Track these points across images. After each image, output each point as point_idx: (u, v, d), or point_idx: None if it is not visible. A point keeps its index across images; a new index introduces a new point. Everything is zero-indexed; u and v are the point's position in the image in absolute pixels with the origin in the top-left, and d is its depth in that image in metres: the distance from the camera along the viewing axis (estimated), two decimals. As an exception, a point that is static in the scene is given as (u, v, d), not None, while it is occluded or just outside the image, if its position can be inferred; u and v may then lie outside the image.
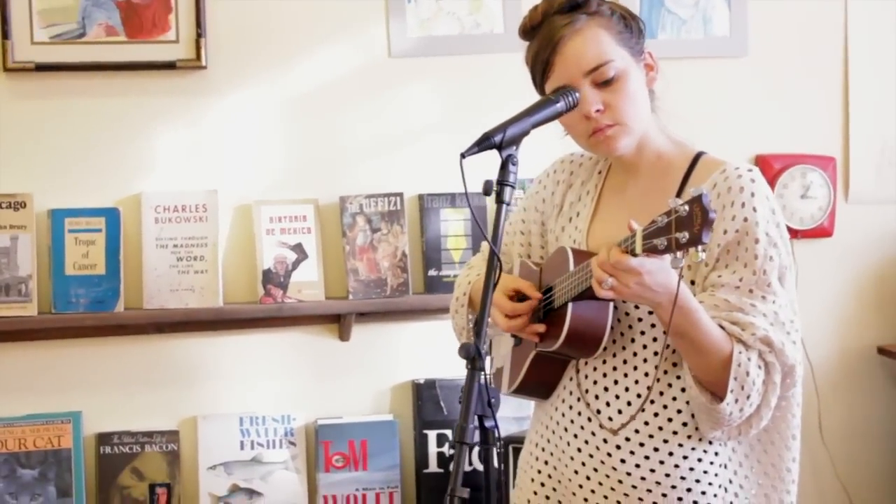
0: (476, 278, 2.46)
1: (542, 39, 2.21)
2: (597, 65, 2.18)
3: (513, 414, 3.53)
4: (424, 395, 3.59)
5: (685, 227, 1.86)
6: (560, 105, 2.16)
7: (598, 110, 2.18)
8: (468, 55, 3.63)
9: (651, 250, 1.92)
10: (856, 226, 3.84)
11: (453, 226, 3.59)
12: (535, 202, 2.46)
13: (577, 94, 2.17)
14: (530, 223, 2.47)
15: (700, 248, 1.85)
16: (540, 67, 2.22)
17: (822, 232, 3.80)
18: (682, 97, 3.62)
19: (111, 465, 3.47)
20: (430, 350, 3.58)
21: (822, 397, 3.81)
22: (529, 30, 2.25)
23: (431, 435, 3.58)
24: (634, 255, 1.97)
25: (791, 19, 3.79)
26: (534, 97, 2.21)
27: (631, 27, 2.24)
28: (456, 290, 2.51)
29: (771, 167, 3.76)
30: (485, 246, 2.59)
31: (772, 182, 3.74)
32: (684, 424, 2.20)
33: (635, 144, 2.25)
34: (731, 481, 2.23)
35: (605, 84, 2.18)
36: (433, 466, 3.57)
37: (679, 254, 1.87)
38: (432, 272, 3.59)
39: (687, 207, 1.86)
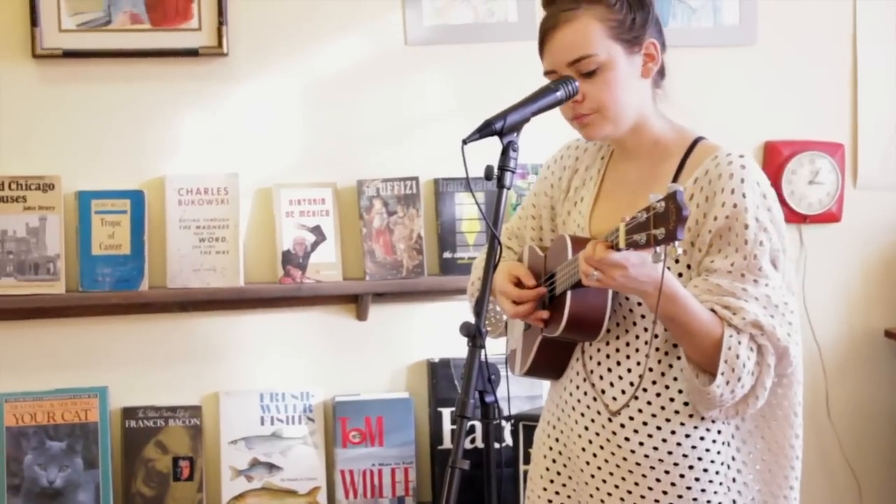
0: None
1: (544, 20, 2.28)
2: (578, 57, 2.23)
3: (525, 393, 3.59)
4: (439, 374, 3.66)
5: (662, 223, 1.91)
6: (560, 94, 2.21)
7: (576, 100, 2.24)
8: (483, 43, 3.68)
9: (633, 245, 1.97)
10: (864, 211, 3.87)
11: (468, 209, 3.65)
12: (545, 187, 2.51)
13: (577, 84, 2.23)
14: (540, 208, 2.52)
15: (677, 243, 1.90)
16: (539, 46, 2.30)
17: (830, 217, 3.84)
18: (692, 85, 3.70)
19: (136, 438, 3.54)
20: (445, 330, 3.61)
21: (829, 379, 3.86)
22: (547, 2, 2.31)
23: (446, 412, 3.64)
24: (618, 249, 2.02)
25: (800, 8, 3.82)
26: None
27: (629, 19, 2.26)
28: (472, 275, 2.58)
29: (780, 154, 3.80)
30: (506, 229, 2.65)
31: (780, 168, 3.79)
32: (685, 405, 2.24)
33: (624, 131, 2.29)
34: (734, 458, 2.27)
35: (587, 74, 2.24)
36: (447, 443, 3.62)
37: (658, 249, 1.93)
38: (447, 254, 3.65)
39: (663, 204, 1.91)
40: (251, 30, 3.58)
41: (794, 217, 3.81)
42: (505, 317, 2.56)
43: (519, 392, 3.55)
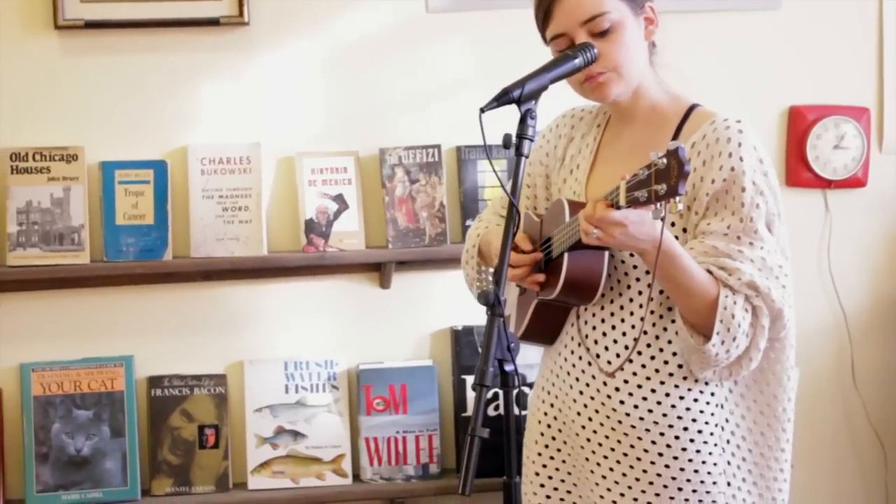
0: (485, 231, 2.54)
1: None
2: (592, 15, 2.26)
3: (536, 361, 3.59)
4: (462, 342, 3.66)
5: (663, 179, 1.94)
6: (578, 61, 2.23)
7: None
8: (505, 10, 3.66)
9: (633, 202, 2.01)
10: (889, 176, 3.85)
11: (490, 177, 3.64)
12: (539, 156, 2.53)
13: (595, 51, 2.24)
14: (535, 177, 2.55)
15: (678, 198, 1.93)
16: (541, 14, 2.31)
17: (855, 182, 3.82)
18: (716, 50, 3.71)
19: (162, 406, 3.56)
20: (468, 297, 3.62)
21: (855, 345, 3.85)
22: None
23: (469, 380, 3.63)
24: (618, 207, 2.05)
25: (825, -29, 3.79)
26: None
27: None
28: (466, 243, 2.61)
29: (804, 118, 3.78)
30: (494, 200, 2.68)
31: (805, 133, 3.77)
32: (679, 367, 2.28)
33: (630, 93, 2.32)
34: (727, 420, 2.30)
35: (600, 34, 2.25)
36: (471, 410, 3.60)
37: (659, 205, 1.96)
38: (470, 222, 3.61)
39: (665, 160, 1.95)
40: (272, -1, 3.58)
41: (818, 182, 3.80)
42: None
43: (538, 359, 3.55)
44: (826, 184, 3.81)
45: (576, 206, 2.28)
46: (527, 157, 2.16)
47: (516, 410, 2.20)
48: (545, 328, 2.42)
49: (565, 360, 2.39)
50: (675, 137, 2.30)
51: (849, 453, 3.90)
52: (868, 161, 3.82)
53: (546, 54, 2.37)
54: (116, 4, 3.51)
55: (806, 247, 3.80)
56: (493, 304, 2.10)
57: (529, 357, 2.66)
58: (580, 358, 2.36)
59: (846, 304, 3.84)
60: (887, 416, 3.90)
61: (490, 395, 2.08)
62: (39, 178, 3.49)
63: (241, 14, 3.53)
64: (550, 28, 2.30)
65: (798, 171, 3.79)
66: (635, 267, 2.29)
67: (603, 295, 2.31)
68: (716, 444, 2.29)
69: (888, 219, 3.88)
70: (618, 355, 2.31)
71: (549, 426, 2.44)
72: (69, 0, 3.48)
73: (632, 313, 2.31)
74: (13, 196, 3.48)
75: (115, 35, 3.53)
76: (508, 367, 2.15)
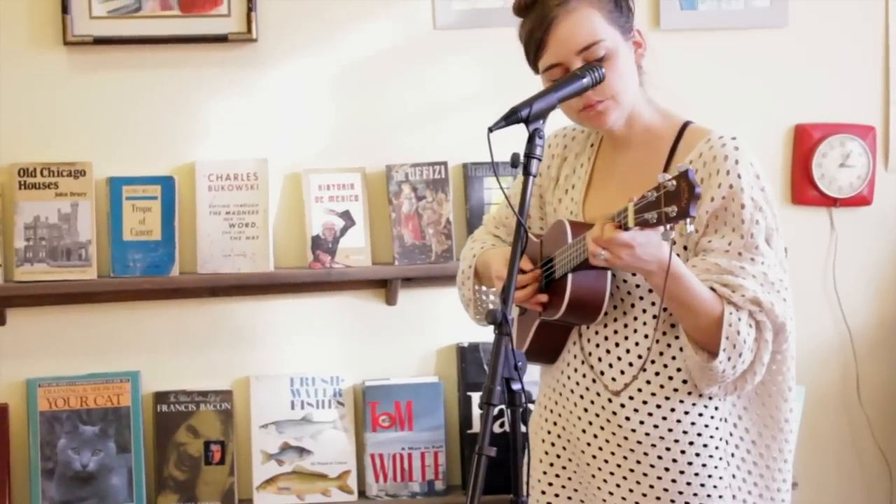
0: (480, 251, 2.54)
1: (535, 19, 2.31)
2: (588, 44, 2.27)
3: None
4: (468, 358, 3.66)
5: (673, 201, 1.96)
6: (586, 80, 2.24)
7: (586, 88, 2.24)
8: (512, 27, 3.63)
9: (643, 224, 2.02)
10: (895, 194, 3.85)
11: (497, 194, 3.64)
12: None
13: (603, 71, 2.25)
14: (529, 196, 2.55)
15: (688, 220, 1.94)
16: (534, 45, 2.31)
17: (861, 200, 3.82)
18: (722, 68, 3.72)
19: (168, 422, 3.57)
20: (467, 315, 3.65)
21: (860, 363, 3.84)
22: (523, 8, 2.35)
23: (475, 396, 3.64)
24: (627, 228, 2.06)
25: (831, -11, 3.80)
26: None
27: (621, 6, 2.32)
28: (461, 264, 2.61)
29: (810, 136, 3.78)
30: (486, 219, 2.68)
31: (810, 151, 3.77)
32: (684, 382, 2.29)
33: (625, 118, 2.33)
34: (731, 434, 2.32)
35: (595, 62, 2.26)
36: (476, 427, 3.62)
37: (669, 226, 1.97)
38: (475, 239, 3.67)
39: (674, 182, 1.96)
40: (280, 15, 3.59)
41: (824, 200, 3.80)
42: (493, 300, 2.58)
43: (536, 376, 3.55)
44: (832, 202, 3.81)
45: (578, 227, 2.29)
46: (535, 176, 2.16)
47: (523, 428, 2.21)
48: (547, 348, 2.43)
49: (568, 378, 2.40)
50: (670, 156, 2.31)
51: (854, 471, 3.89)
52: (874, 179, 3.82)
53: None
54: (125, 21, 3.52)
55: (811, 265, 3.80)
56: (500, 322, 2.10)
57: (536, 374, 2.66)
58: (584, 376, 2.37)
59: (851, 322, 3.83)
60: (892, 433, 3.89)
61: (496, 411, 2.08)
62: (47, 194, 3.50)
63: (249, 31, 3.54)
64: (545, 58, 2.31)
65: (804, 188, 3.79)
66: (638, 286, 2.31)
67: (606, 314, 2.32)
68: (720, 458, 2.30)
69: (894, 237, 3.88)
70: (622, 372, 2.32)
71: (553, 444, 2.45)
72: (78, 16, 3.50)
73: (635, 331, 2.32)
74: (21, 211, 3.49)
75: (124, 51, 3.54)
76: (516, 386, 2.15)
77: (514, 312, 2.51)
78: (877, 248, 3.87)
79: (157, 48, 3.55)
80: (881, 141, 3.84)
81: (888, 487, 3.88)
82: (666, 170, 2.29)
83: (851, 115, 3.82)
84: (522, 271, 2.36)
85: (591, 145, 2.47)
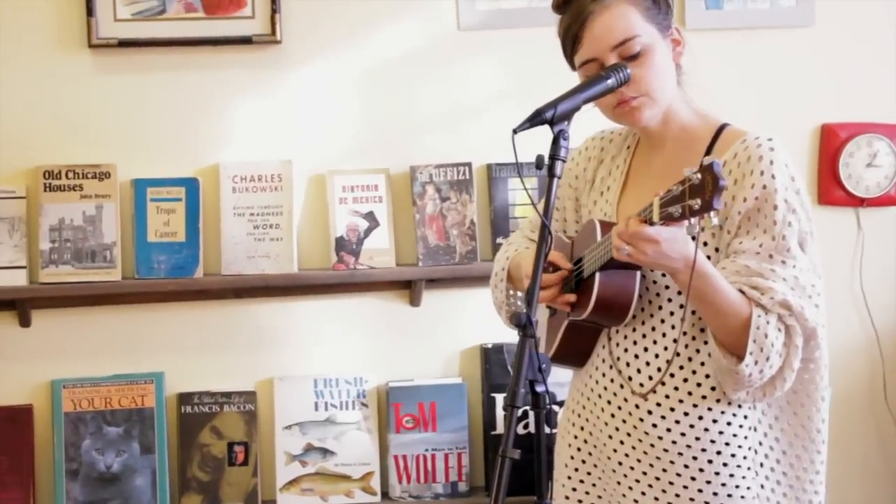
0: (514, 254, 2.54)
1: (572, 14, 2.29)
2: (623, 39, 2.24)
3: (566, 379, 3.56)
4: (492, 360, 3.66)
5: (698, 194, 1.93)
6: (611, 81, 2.22)
7: (622, 83, 2.22)
8: (536, 28, 3.65)
9: (667, 218, 1.99)
10: (922, 194, 3.83)
11: (521, 194, 3.63)
12: (569, 178, 2.52)
13: (629, 71, 2.23)
14: (564, 199, 2.53)
15: (713, 213, 1.91)
16: (570, 41, 2.29)
17: (888, 200, 3.80)
18: (748, 67, 3.70)
19: (192, 423, 3.57)
20: (500, 318, 3.64)
21: (887, 363, 3.82)
22: (561, 4, 2.33)
23: (499, 398, 3.63)
24: (652, 223, 2.04)
25: (858, -11, 3.77)
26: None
27: (659, 3, 2.30)
28: (495, 266, 2.60)
29: (837, 136, 3.76)
30: (523, 223, 2.67)
31: (837, 151, 3.75)
32: (713, 389, 2.26)
33: (661, 116, 2.31)
34: (760, 443, 2.28)
35: (631, 58, 2.24)
36: (500, 428, 3.61)
37: (693, 220, 1.94)
38: (500, 240, 3.63)
39: (699, 175, 1.93)
40: (304, 17, 3.59)
41: (851, 200, 3.78)
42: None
43: (568, 377, 3.53)
44: (859, 202, 3.79)
45: (607, 226, 2.26)
46: (559, 178, 2.14)
47: (547, 430, 2.19)
48: (576, 350, 2.41)
49: (596, 382, 2.38)
50: (706, 156, 2.27)
51: (881, 472, 3.87)
52: (901, 179, 3.80)
53: (575, 73, 2.36)
54: (149, 23, 3.53)
55: (838, 265, 3.78)
56: (524, 324, 2.09)
57: (560, 375, 2.65)
58: (612, 380, 2.35)
59: (878, 322, 3.81)
60: (920, 435, 3.87)
61: (519, 413, 2.07)
62: (72, 196, 3.51)
63: (273, 32, 3.54)
64: (580, 53, 2.29)
65: (830, 189, 3.77)
66: (667, 287, 2.28)
67: (634, 316, 2.29)
68: (749, 468, 2.27)
69: (921, 237, 3.86)
70: (650, 377, 2.29)
71: (579, 449, 2.42)
72: (103, 19, 3.51)
73: (664, 334, 2.29)
74: (46, 213, 3.50)
75: (148, 53, 3.55)
76: (540, 388, 2.13)
77: (545, 314, 2.50)
78: (904, 248, 3.85)
79: (182, 50, 3.56)
80: (908, 141, 3.82)
81: (915, 490, 3.87)
82: None
83: (878, 115, 3.80)
84: (555, 269, 2.33)
85: (628, 147, 2.44)
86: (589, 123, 2.46)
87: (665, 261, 2.11)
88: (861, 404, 3.84)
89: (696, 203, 1.93)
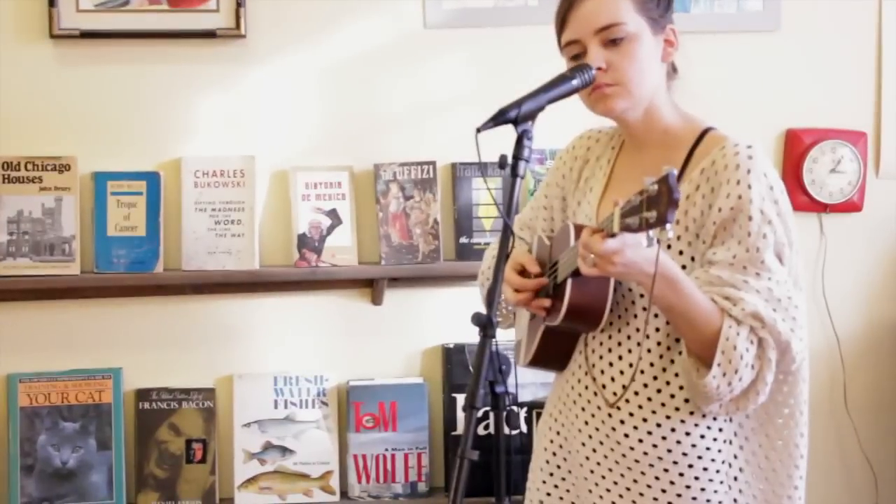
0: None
1: None
2: (608, 24, 2.21)
3: (540, 379, 3.55)
4: (454, 360, 3.64)
5: (654, 206, 1.87)
6: (575, 82, 2.20)
7: (599, 68, 2.21)
8: (502, 27, 3.65)
9: (626, 229, 1.94)
10: (886, 201, 3.83)
11: (485, 194, 3.61)
12: (556, 178, 2.50)
13: (593, 73, 2.20)
14: (552, 199, 2.51)
15: (668, 226, 1.85)
16: (559, 21, 2.28)
17: (851, 206, 3.80)
18: (713, 71, 3.70)
19: (149, 420, 3.54)
20: (460, 315, 3.55)
21: (847, 370, 3.83)
22: None
23: (460, 398, 3.62)
24: (612, 235, 2.00)
25: (824, -6, 3.78)
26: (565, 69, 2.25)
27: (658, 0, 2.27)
28: (482, 264, 2.59)
29: (801, 141, 3.77)
30: (518, 219, 2.64)
31: (801, 156, 3.76)
32: (686, 400, 2.22)
33: (640, 113, 2.28)
34: (735, 457, 2.25)
35: (612, 44, 2.21)
36: (461, 429, 3.56)
37: (651, 232, 1.89)
38: (463, 239, 3.63)
39: (656, 186, 1.88)
40: (269, 12, 3.57)
41: (814, 206, 3.78)
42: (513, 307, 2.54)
43: (533, 379, 3.53)
44: (822, 207, 3.80)
45: (581, 231, 2.24)
46: (522, 178, 2.12)
47: (507, 431, 2.18)
48: (554, 354, 2.37)
49: (572, 388, 2.35)
50: (687, 160, 2.24)
51: (840, 478, 3.88)
52: (864, 185, 3.80)
53: (542, 71, 2.33)
54: (112, 15, 3.50)
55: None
56: (485, 324, 2.07)
57: (525, 377, 2.64)
58: (586, 387, 2.31)
59: (840, 328, 3.82)
60: (879, 441, 3.88)
61: (480, 414, 2.05)
62: (31, 188, 3.47)
63: (237, 27, 3.52)
64: (565, 34, 2.26)
65: (794, 194, 3.76)
66: (641, 296, 2.23)
67: (611, 323, 2.25)
68: (722, 482, 2.23)
69: (883, 244, 3.86)
70: (624, 387, 2.26)
71: (554, 454, 2.39)
72: (65, 9, 3.47)
73: (638, 343, 2.25)
74: (4, 205, 3.46)
75: (111, 45, 3.52)
76: (499, 389, 2.12)
77: (525, 317, 2.47)
78: (866, 255, 3.86)
79: (145, 43, 3.53)
80: (872, 147, 3.83)
81: (873, 496, 3.87)
82: (680, 177, 2.22)
83: (843, 121, 3.80)
84: (529, 274, 2.31)
85: (613, 148, 2.41)
86: (580, 122, 2.45)
87: (634, 268, 2.05)
88: (822, 410, 3.84)
89: (652, 215, 1.87)
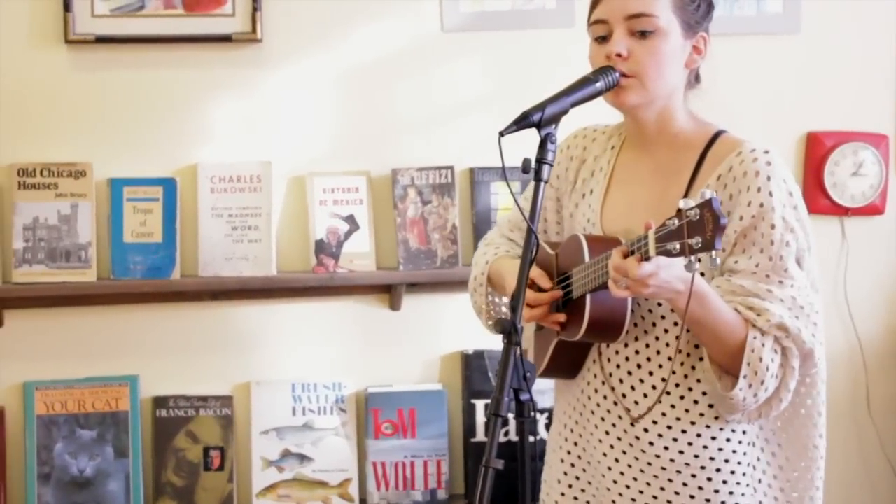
0: (494, 257, 2.46)
1: None
2: (639, 13, 2.17)
3: (549, 386, 3.53)
4: (473, 366, 3.62)
5: (697, 232, 1.85)
6: (599, 85, 2.17)
7: (618, 54, 2.17)
8: (520, 30, 3.63)
9: (664, 254, 1.91)
10: (908, 204, 3.81)
11: (503, 199, 3.60)
12: (549, 178, 2.46)
13: (617, 75, 2.18)
14: (545, 199, 2.43)
15: (714, 252, 1.84)
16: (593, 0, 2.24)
17: (873, 209, 3.78)
18: (734, 74, 3.67)
19: (167, 427, 3.53)
20: (479, 321, 3.60)
21: (870, 374, 3.80)
22: None
23: (479, 404, 3.60)
24: (648, 258, 1.97)
25: (845, -4, 3.75)
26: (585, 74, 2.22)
27: (700, 4, 2.23)
28: (474, 269, 2.52)
29: (822, 144, 3.74)
30: (500, 221, 2.60)
31: (823, 159, 3.73)
32: (710, 406, 2.20)
33: (652, 113, 2.24)
34: (758, 459, 2.24)
35: (640, 35, 2.18)
36: (480, 435, 3.59)
37: (693, 258, 1.87)
38: (481, 244, 3.62)
39: (697, 211, 1.85)
40: (285, 16, 3.55)
41: (836, 209, 3.76)
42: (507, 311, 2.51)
43: (549, 385, 3.47)
44: (843, 211, 3.77)
45: (594, 243, 2.20)
46: (546, 181, 2.09)
47: (531, 438, 2.15)
48: (565, 365, 2.34)
49: (588, 398, 2.31)
50: (699, 163, 2.21)
51: (862, 482, 3.85)
52: (886, 188, 3.78)
53: (560, 74, 2.31)
54: (128, 20, 3.48)
55: (822, 274, 3.74)
56: (509, 332, 2.04)
57: (543, 383, 2.61)
58: (605, 397, 2.28)
59: (862, 331, 3.79)
60: (902, 446, 3.86)
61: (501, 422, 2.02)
62: (47, 195, 3.45)
63: (254, 31, 3.50)
64: (596, 11, 2.22)
65: (815, 197, 3.74)
66: (659, 305, 2.21)
67: (627, 332, 2.23)
68: (748, 484, 2.22)
69: (906, 246, 3.84)
70: (645, 395, 2.23)
71: (573, 465, 2.36)
72: (80, 14, 3.46)
73: (658, 352, 2.23)
74: (20, 212, 3.45)
75: (126, 51, 3.51)
76: (524, 397, 2.09)
77: (530, 325, 2.44)
78: (888, 258, 3.83)
79: (160, 48, 3.51)
80: (894, 150, 3.80)
81: (895, 498, 3.85)
82: (692, 181, 2.20)
83: (864, 124, 3.78)
84: (539, 288, 2.27)
85: (612, 147, 2.37)
86: (575, 118, 2.41)
87: (667, 287, 2.03)
88: (844, 414, 3.81)
89: (697, 242, 1.85)
